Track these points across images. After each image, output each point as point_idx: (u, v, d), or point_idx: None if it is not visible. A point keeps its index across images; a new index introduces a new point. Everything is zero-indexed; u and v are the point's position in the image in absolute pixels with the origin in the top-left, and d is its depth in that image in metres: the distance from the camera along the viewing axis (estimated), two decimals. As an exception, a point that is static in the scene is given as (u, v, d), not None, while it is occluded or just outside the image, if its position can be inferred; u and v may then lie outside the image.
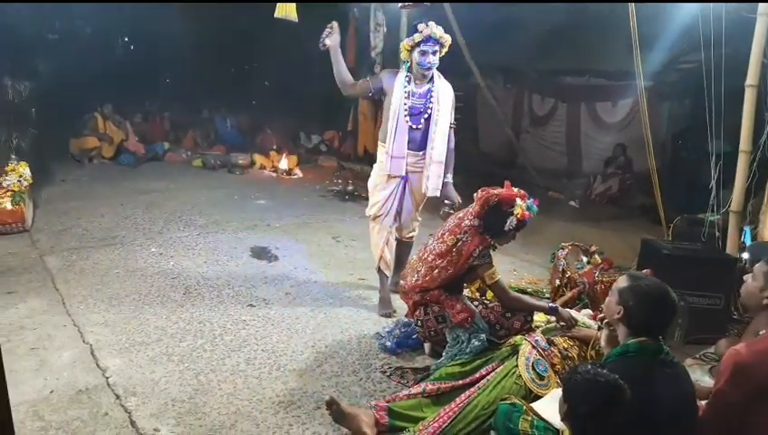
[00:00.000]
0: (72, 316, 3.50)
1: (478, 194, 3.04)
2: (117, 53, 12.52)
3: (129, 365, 2.98)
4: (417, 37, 3.54)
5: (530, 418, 2.25)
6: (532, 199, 3.03)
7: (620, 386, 1.75)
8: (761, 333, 2.00)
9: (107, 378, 2.85)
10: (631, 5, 4.40)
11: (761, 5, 3.86)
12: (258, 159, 9.26)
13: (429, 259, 3.07)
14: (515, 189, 3.04)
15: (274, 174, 8.83)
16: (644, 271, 2.62)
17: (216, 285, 4.14)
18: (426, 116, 3.69)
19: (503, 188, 3.05)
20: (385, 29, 8.12)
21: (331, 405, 2.44)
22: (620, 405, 1.73)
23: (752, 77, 3.93)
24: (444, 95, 3.73)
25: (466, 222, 3.02)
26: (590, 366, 1.85)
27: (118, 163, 8.65)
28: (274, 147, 9.81)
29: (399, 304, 3.68)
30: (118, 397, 2.70)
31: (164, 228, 5.49)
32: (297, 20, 5.25)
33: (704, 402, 2.08)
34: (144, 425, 2.51)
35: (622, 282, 2.09)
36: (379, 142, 3.86)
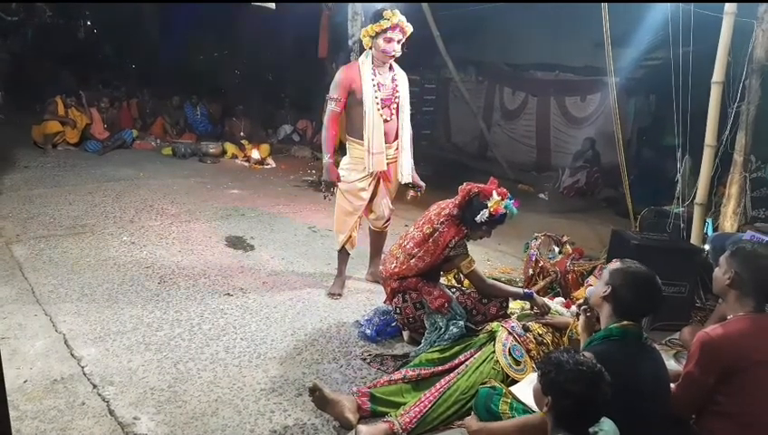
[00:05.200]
0: (43, 305, 3.42)
1: (463, 186, 3.08)
2: (81, 36, 12.12)
3: (106, 354, 2.93)
4: (384, 24, 3.47)
5: (509, 400, 2.32)
6: (512, 200, 3.04)
7: (601, 371, 1.72)
8: (729, 317, 2.11)
9: (82, 367, 2.80)
10: (604, 3, 4.51)
11: (726, 5, 4.01)
12: (230, 148, 9.12)
13: (408, 247, 3.12)
14: (499, 188, 3.04)
15: (247, 164, 8.71)
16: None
17: (192, 274, 4.09)
18: (394, 106, 3.70)
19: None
20: (363, 18, 8.10)
21: (314, 391, 2.46)
22: (603, 391, 1.70)
23: (718, 74, 4.08)
24: (403, 82, 3.78)
25: (446, 211, 3.07)
26: (566, 354, 1.78)
27: (83, 150, 8.36)
28: (242, 134, 9.67)
29: (378, 291, 3.71)
30: (95, 386, 2.66)
31: (135, 217, 5.38)
32: (274, 7, 5.25)
33: (672, 385, 2.18)
34: (123, 414, 2.48)
35: (614, 264, 2.16)
36: (349, 140, 3.77)
